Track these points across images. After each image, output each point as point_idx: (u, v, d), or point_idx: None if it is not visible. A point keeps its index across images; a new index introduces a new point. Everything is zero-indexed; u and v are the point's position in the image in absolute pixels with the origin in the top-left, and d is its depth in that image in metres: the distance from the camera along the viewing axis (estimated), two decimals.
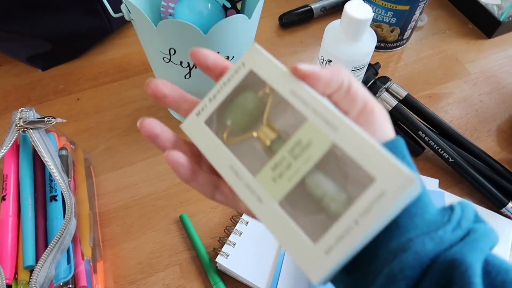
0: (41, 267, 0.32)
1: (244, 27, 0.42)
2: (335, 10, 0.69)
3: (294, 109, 0.24)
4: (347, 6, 0.41)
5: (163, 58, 0.43)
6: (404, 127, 0.53)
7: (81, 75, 0.60)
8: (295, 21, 0.66)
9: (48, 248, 0.33)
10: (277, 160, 0.22)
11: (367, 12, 0.40)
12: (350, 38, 0.42)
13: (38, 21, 0.55)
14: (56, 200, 0.38)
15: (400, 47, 0.65)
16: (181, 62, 0.43)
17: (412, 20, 0.60)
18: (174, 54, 0.42)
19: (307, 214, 0.23)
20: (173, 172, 0.50)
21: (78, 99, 0.57)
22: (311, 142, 0.22)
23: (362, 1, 0.41)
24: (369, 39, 0.43)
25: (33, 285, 0.31)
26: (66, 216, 0.35)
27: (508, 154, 0.55)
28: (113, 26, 0.62)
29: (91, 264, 0.39)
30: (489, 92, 0.61)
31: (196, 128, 0.25)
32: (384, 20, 0.60)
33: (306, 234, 0.21)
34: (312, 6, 0.67)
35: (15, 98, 0.57)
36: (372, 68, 0.57)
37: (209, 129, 0.25)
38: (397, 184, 0.19)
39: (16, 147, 0.40)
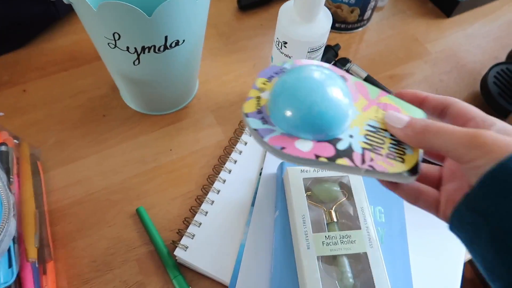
0: None
1: (192, 9, 0.39)
2: None
3: (357, 215, 0.39)
4: None
5: (108, 43, 0.40)
6: None
7: (28, 64, 0.56)
8: (254, 3, 0.64)
9: None
10: (331, 235, 0.38)
11: None
12: (304, 18, 0.40)
13: None
14: None
15: (361, 28, 0.64)
16: (127, 48, 0.40)
17: (372, 0, 0.59)
18: (119, 39, 0.39)
19: (327, 272, 0.37)
20: (128, 164, 0.48)
21: (25, 90, 0.54)
22: (355, 241, 0.37)
23: None
24: (324, 19, 0.42)
25: None
26: (3, 217, 0.32)
27: None
28: (61, 12, 0.59)
29: (38, 265, 0.37)
30: (449, 71, 0.61)
31: (295, 177, 0.41)
32: (344, 0, 0.59)
33: (322, 284, 0.35)
34: None
35: None
36: (332, 49, 0.56)
37: (303, 183, 0.41)
38: None
39: None
